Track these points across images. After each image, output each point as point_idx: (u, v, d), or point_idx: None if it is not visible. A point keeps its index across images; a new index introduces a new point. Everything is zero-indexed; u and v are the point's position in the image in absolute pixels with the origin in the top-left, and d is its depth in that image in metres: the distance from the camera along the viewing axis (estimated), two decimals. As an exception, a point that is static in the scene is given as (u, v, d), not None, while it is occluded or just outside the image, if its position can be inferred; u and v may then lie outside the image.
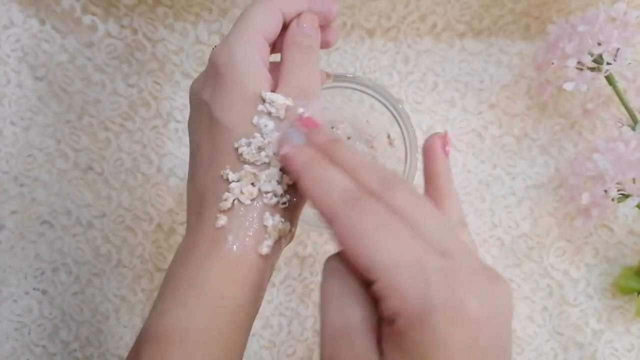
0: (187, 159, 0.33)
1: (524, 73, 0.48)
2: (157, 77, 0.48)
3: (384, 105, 0.42)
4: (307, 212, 0.43)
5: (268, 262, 0.29)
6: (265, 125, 0.29)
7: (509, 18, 0.48)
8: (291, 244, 0.47)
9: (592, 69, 0.43)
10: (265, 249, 0.29)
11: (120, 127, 0.48)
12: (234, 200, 0.29)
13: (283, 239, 0.30)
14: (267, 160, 0.29)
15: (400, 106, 0.41)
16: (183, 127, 0.48)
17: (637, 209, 0.44)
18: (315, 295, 0.47)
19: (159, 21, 0.48)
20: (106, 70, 0.48)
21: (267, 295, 0.47)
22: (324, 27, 0.35)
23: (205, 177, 0.30)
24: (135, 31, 0.48)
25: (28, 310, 0.47)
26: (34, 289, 0.47)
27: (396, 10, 0.47)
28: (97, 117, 0.48)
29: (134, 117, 0.48)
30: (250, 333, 0.48)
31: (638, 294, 0.45)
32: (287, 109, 0.30)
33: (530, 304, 0.47)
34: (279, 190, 0.29)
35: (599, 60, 0.43)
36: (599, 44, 0.42)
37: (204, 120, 0.31)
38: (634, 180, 0.42)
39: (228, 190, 0.29)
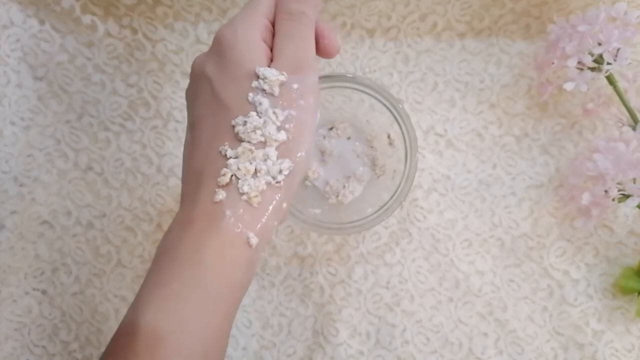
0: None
1: (524, 73, 0.48)
2: (157, 77, 0.48)
3: (384, 105, 0.42)
4: (308, 212, 0.43)
5: (262, 239, 0.30)
6: (260, 104, 0.30)
7: (509, 18, 0.48)
8: (291, 244, 0.47)
9: (592, 69, 0.43)
10: (260, 225, 0.29)
11: (120, 127, 0.48)
12: (231, 176, 0.29)
13: (277, 216, 0.30)
14: (262, 139, 0.30)
15: (401, 106, 0.41)
16: (183, 127, 0.48)
17: (637, 209, 0.44)
18: (316, 295, 0.47)
19: (158, 21, 0.48)
20: (106, 70, 0.48)
21: (267, 295, 0.47)
22: None
23: (204, 152, 0.31)
24: (135, 31, 0.48)
25: (28, 310, 0.47)
26: (34, 289, 0.47)
27: (396, 10, 0.47)
28: (97, 117, 0.48)
29: (133, 117, 0.48)
30: (251, 333, 0.48)
31: (638, 294, 0.45)
32: (281, 84, 0.30)
33: (531, 304, 0.47)
34: (275, 169, 0.30)
35: (599, 60, 0.43)
36: (599, 44, 0.42)
37: (204, 95, 0.32)
38: (634, 180, 0.42)
39: (226, 166, 0.29)
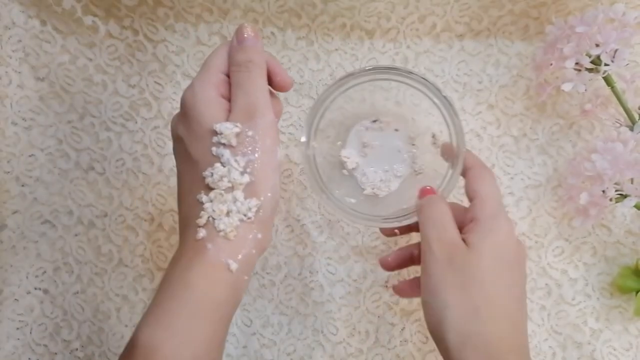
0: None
1: (523, 74, 0.49)
2: (158, 77, 0.49)
3: (435, 104, 0.41)
4: (344, 200, 0.43)
5: (243, 266, 0.34)
6: (222, 155, 0.34)
7: (507, 19, 0.48)
8: (291, 243, 0.48)
9: (590, 70, 0.44)
10: (241, 254, 0.34)
11: (122, 128, 0.49)
12: (208, 217, 0.34)
13: (254, 245, 0.35)
14: (229, 184, 0.34)
15: (452, 109, 0.41)
16: (184, 127, 0.48)
17: (635, 208, 0.44)
18: (315, 294, 0.47)
19: (159, 22, 0.48)
20: (107, 71, 0.49)
21: (267, 294, 0.47)
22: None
23: (186, 201, 0.36)
24: (136, 32, 0.48)
25: (29, 309, 0.47)
26: (36, 288, 0.48)
27: (395, 11, 0.48)
28: (98, 118, 0.48)
29: (135, 118, 0.49)
30: (251, 332, 0.48)
31: (636, 294, 0.45)
32: (237, 135, 0.34)
33: (529, 303, 0.47)
34: (244, 208, 0.34)
35: (597, 61, 0.43)
36: (597, 45, 0.42)
37: (180, 152, 0.37)
38: (632, 181, 0.42)
39: (203, 210, 0.34)
